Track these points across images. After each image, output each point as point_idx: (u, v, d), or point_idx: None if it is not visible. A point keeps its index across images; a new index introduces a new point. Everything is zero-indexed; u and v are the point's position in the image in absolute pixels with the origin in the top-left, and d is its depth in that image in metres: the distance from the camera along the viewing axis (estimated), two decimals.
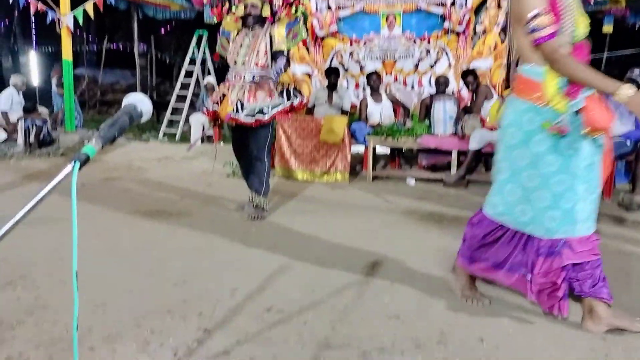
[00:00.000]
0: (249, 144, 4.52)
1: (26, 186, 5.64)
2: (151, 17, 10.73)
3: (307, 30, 4.62)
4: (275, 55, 4.44)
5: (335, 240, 3.92)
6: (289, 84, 4.73)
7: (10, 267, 3.18)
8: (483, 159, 6.71)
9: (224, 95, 4.49)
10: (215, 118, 4.59)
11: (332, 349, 2.30)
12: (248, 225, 4.31)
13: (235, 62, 4.46)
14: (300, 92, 4.63)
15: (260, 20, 4.46)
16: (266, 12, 4.46)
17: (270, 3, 4.50)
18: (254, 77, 4.40)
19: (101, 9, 7.74)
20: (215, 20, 4.86)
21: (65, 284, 2.94)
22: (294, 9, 4.48)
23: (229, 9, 4.58)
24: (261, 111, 4.34)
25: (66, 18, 7.80)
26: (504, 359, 2.23)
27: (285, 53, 4.49)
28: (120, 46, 15.79)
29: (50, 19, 8.43)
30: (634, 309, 2.72)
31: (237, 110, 4.34)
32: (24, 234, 3.68)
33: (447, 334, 2.45)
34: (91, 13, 7.68)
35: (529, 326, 2.55)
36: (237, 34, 4.55)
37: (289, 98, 4.48)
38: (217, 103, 4.53)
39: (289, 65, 4.97)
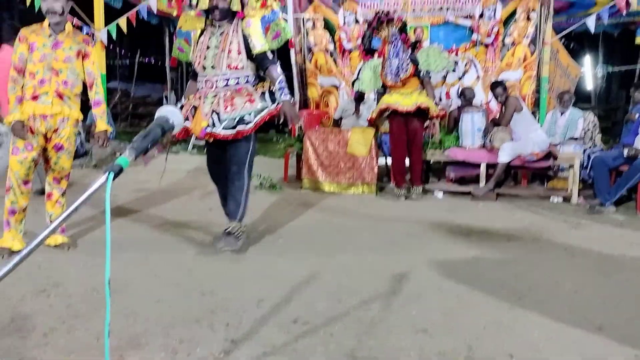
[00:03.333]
0: (228, 160, 3.83)
1: None
2: None
3: (288, 28, 3.91)
4: (261, 59, 3.79)
5: (361, 251, 3.91)
6: (270, 85, 3.86)
7: (44, 275, 3.26)
8: (512, 171, 6.63)
9: (195, 108, 3.81)
10: (186, 136, 3.94)
11: None
12: (275, 236, 4.33)
13: (204, 67, 3.81)
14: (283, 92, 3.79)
15: (229, 15, 3.78)
16: (236, 6, 3.76)
17: None
18: (227, 81, 3.77)
19: (134, 24, 7.90)
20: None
21: (97, 292, 3.00)
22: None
23: (190, 2, 3.84)
24: (242, 120, 3.68)
25: (100, 33, 7.99)
26: None
27: (271, 56, 3.82)
28: (152, 60, 16.14)
29: (84, 33, 8.65)
30: None
31: (213, 124, 3.70)
32: None
33: (475, 349, 2.42)
34: (124, 28, 7.84)
35: (559, 340, 2.50)
36: (201, 34, 3.91)
37: (273, 101, 3.78)
38: (187, 119, 3.78)
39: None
